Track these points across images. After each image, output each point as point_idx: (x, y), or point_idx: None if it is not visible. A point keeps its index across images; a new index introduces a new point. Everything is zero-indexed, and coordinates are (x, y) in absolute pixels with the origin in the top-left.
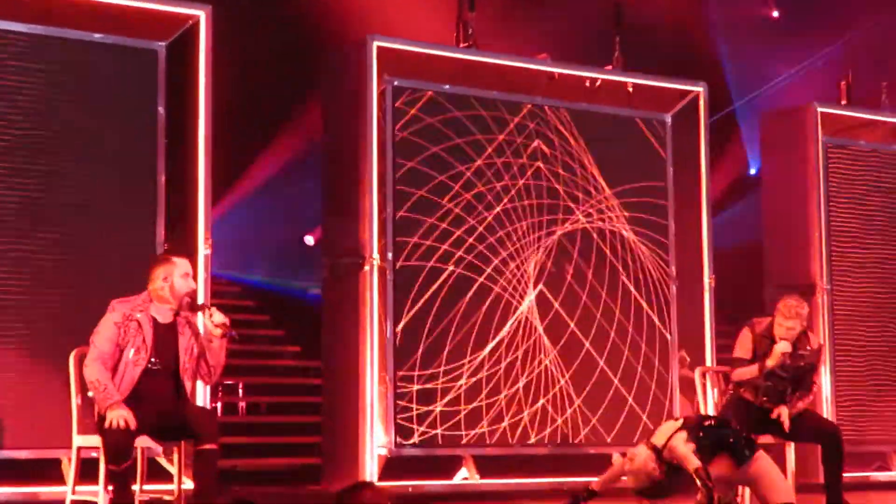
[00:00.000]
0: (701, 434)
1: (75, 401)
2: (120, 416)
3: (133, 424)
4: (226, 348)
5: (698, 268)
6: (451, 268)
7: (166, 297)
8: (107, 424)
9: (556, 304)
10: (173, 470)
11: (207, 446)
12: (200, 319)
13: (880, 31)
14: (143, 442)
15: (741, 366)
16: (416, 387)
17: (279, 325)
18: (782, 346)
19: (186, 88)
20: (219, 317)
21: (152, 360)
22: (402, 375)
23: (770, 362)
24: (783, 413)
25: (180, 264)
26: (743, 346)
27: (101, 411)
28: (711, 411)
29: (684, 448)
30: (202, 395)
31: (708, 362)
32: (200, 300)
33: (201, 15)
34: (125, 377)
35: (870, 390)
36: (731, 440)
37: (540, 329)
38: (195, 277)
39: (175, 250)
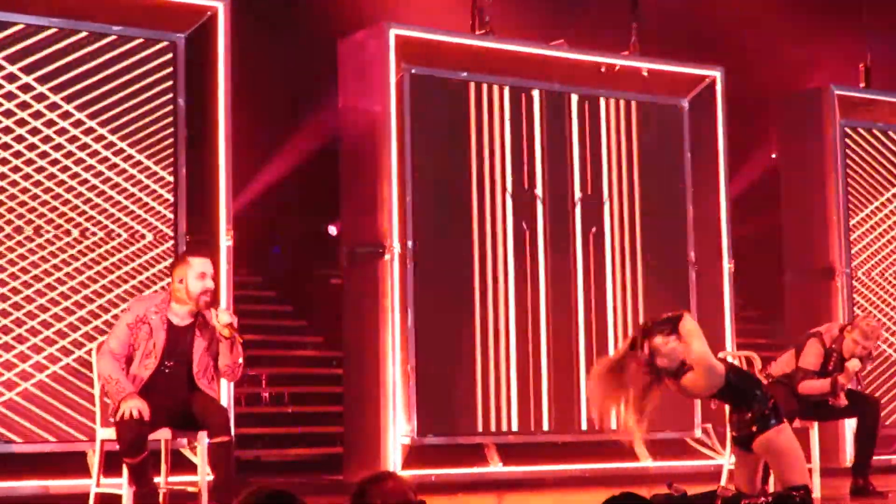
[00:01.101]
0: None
1: (98, 393)
2: (134, 407)
3: (147, 415)
4: (237, 350)
5: (717, 253)
6: (471, 254)
7: (183, 297)
8: (119, 416)
9: (578, 291)
10: (197, 461)
11: (220, 438)
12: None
13: None
14: (162, 434)
15: (809, 378)
16: (437, 375)
17: (301, 315)
18: (855, 365)
19: (206, 79)
20: (224, 317)
21: (165, 363)
22: (422, 364)
23: (843, 380)
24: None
25: (195, 265)
26: (812, 357)
27: (114, 404)
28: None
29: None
30: (224, 386)
31: (728, 347)
32: (222, 305)
33: (219, 6)
34: (136, 378)
35: (891, 373)
36: (757, 400)
37: (562, 315)
38: (217, 269)
39: (194, 249)
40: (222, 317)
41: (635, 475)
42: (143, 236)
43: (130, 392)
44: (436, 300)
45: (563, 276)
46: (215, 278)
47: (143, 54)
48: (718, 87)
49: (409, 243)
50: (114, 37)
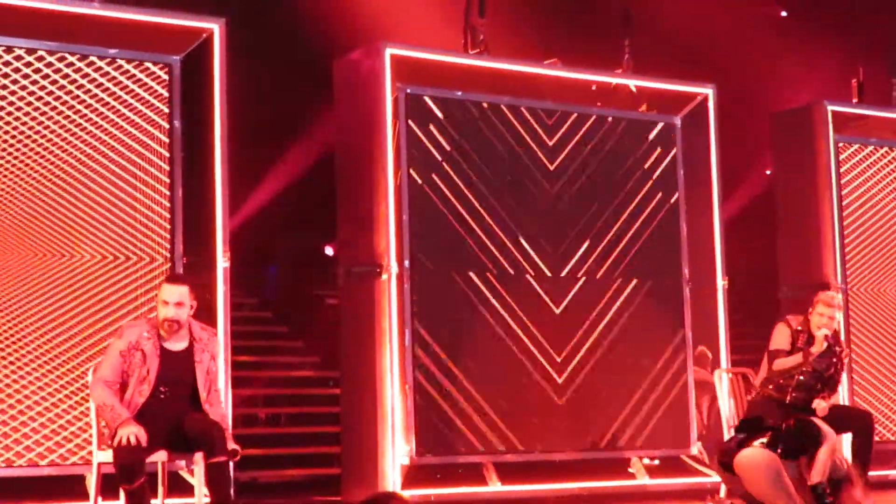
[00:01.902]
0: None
1: (94, 417)
2: (130, 433)
3: (144, 441)
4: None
5: (711, 269)
6: (467, 273)
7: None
8: (116, 441)
9: (574, 309)
10: (195, 482)
11: (217, 459)
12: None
13: (890, 27)
14: (159, 456)
15: (782, 356)
16: (435, 394)
17: (297, 335)
18: (824, 331)
19: (201, 101)
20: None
21: (160, 388)
22: (420, 383)
23: (815, 349)
24: (820, 404)
25: (163, 291)
26: (781, 339)
27: (110, 430)
28: (730, 412)
29: None
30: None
31: (723, 364)
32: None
33: (215, 28)
34: (131, 403)
35: (886, 387)
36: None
37: (558, 335)
38: (214, 291)
39: (170, 276)
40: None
41: (632, 493)
42: (140, 259)
43: (127, 418)
44: (433, 319)
45: (560, 294)
46: (211, 300)
47: (139, 76)
48: (711, 105)
49: (406, 262)
50: (109, 59)
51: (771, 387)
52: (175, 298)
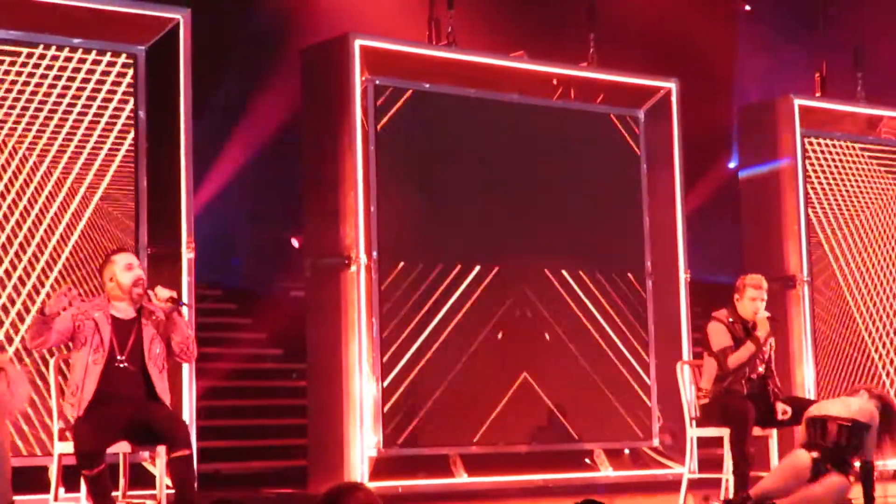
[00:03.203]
0: None
1: (55, 407)
2: (63, 293)
3: (76, 298)
4: (182, 320)
5: (674, 263)
6: (434, 266)
7: (118, 294)
8: (54, 305)
9: (538, 302)
10: (157, 473)
11: (180, 452)
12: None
13: (854, 22)
14: (121, 447)
15: (731, 353)
16: (402, 386)
17: (261, 327)
18: (763, 313)
19: (166, 91)
20: (163, 292)
21: (118, 357)
22: (387, 375)
23: (760, 332)
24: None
25: (118, 259)
26: (721, 336)
27: (49, 313)
28: (692, 408)
29: None
30: (187, 397)
31: (685, 356)
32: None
33: (180, 18)
34: (87, 378)
35: (848, 381)
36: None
37: (523, 326)
38: (179, 282)
39: (116, 248)
40: (161, 293)
41: (596, 484)
42: (106, 250)
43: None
44: (401, 311)
45: (526, 286)
46: (176, 287)
47: (104, 66)
48: (674, 98)
49: (374, 254)
50: (74, 49)
51: (725, 384)
52: (135, 260)
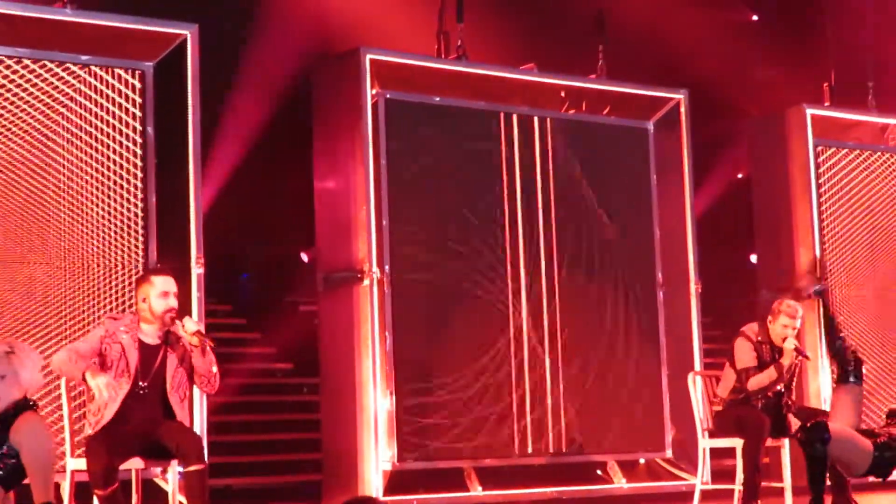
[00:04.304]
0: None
1: (68, 423)
2: (103, 384)
3: (116, 390)
4: (209, 357)
5: (685, 274)
6: (446, 279)
7: (148, 317)
8: (96, 390)
9: (550, 314)
10: (169, 489)
11: (194, 467)
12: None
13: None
14: (134, 463)
15: (752, 374)
16: (415, 400)
17: (270, 342)
18: (791, 343)
19: (175, 108)
20: (191, 325)
21: (139, 383)
22: (401, 389)
23: (785, 361)
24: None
25: (157, 283)
26: (746, 354)
27: (77, 381)
28: (704, 418)
29: None
30: (199, 413)
31: (696, 367)
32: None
33: (188, 34)
34: (109, 402)
35: (868, 389)
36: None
37: (535, 339)
38: (188, 298)
39: (157, 268)
40: (188, 325)
41: (610, 496)
42: (115, 266)
43: (95, 367)
44: (413, 325)
45: (538, 300)
46: (185, 304)
47: (112, 83)
48: (683, 109)
49: (387, 268)
50: (82, 65)
51: (742, 396)
52: (172, 287)
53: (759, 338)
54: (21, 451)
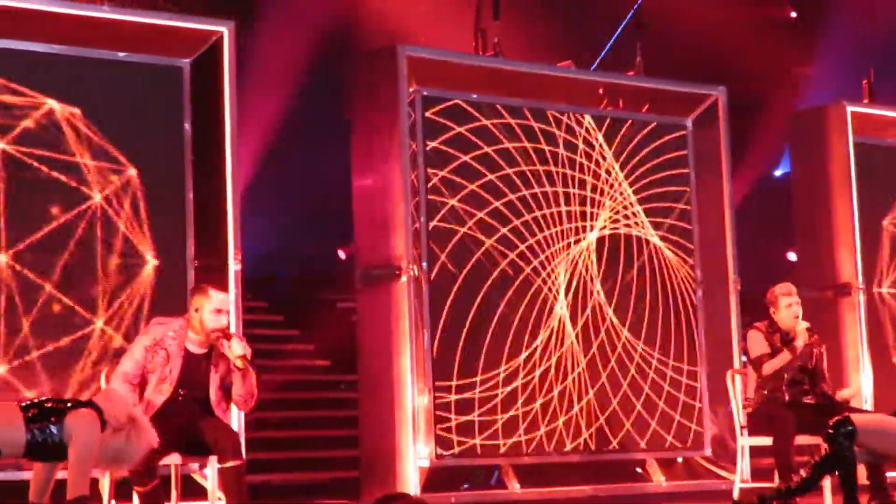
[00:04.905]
0: None
1: None
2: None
3: (156, 443)
4: (250, 381)
5: (723, 271)
6: (483, 277)
7: (197, 327)
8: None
9: (587, 311)
10: (208, 486)
11: (231, 463)
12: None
13: None
14: (172, 459)
15: (767, 360)
16: (453, 397)
17: (308, 339)
18: (803, 324)
19: (212, 104)
20: (238, 348)
21: (179, 391)
22: (439, 386)
23: (798, 342)
24: (843, 393)
25: (213, 298)
26: (759, 344)
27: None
28: (742, 416)
29: None
30: (236, 408)
31: (735, 365)
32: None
33: (224, 31)
34: (149, 403)
35: None
36: None
37: (572, 336)
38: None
39: (216, 283)
40: (235, 348)
41: (647, 494)
42: (152, 262)
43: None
44: (451, 320)
45: (575, 296)
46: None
47: (149, 80)
48: (721, 106)
49: (424, 264)
50: (119, 63)
51: (765, 392)
52: (227, 306)
53: (769, 328)
54: (73, 440)
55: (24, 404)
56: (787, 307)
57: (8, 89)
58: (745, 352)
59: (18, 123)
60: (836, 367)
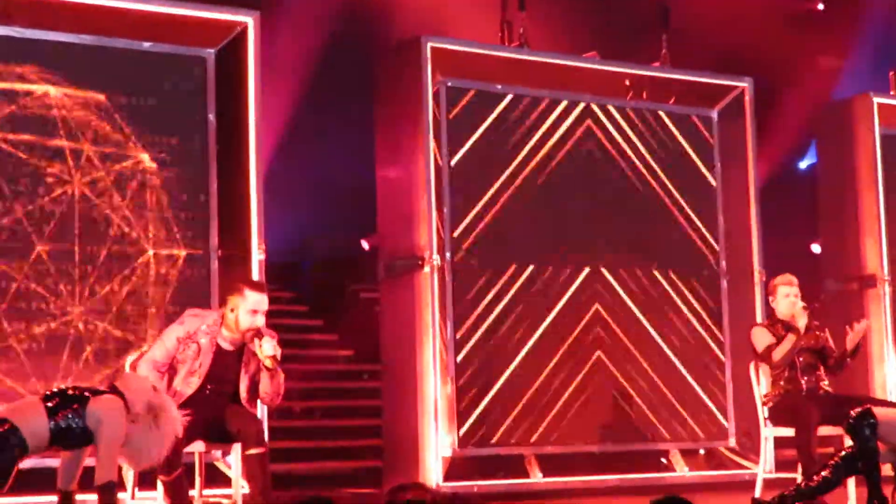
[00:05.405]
0: None
1: None
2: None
3: (181, 432)
4: (278, 381)
5: (748, 262)
6: (508, 266)
7: (231, 326)
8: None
9: (614, 302)
10: (232, 474)
11: (255, 450)
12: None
13: None
14: (196, 447)
15: (774, 348)
16: (476, 387)
17: (332, 329)
18: (800, 304)
19: (236, 95)
20: (268, 349)
21: (207, 386)
22: (462, 376)
23: (800, 322)
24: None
25: (249, 299)
26: (764, 337)
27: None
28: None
29: None
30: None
31: None
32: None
33: (249, 21)
34: (177, 394)
35: None
36: None
37: (598, 327)
38: None
39: (254, 283)
40: (266, 348)
41: (671, 485)
42: (177, 251)
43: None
44: (474, 311)
45: (602, 285)
46: None
47: (174, 70)
48: (748, 98)
49: (448, 255)
50: (144, 53)
51: (782, 383)
52: (263, 306)
53: (771, 321)
54: (100, 426)
55: (45, 395)
56: (786, 297)
57: (15, 75)
58: (752, 350)
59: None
60: (861, 359)
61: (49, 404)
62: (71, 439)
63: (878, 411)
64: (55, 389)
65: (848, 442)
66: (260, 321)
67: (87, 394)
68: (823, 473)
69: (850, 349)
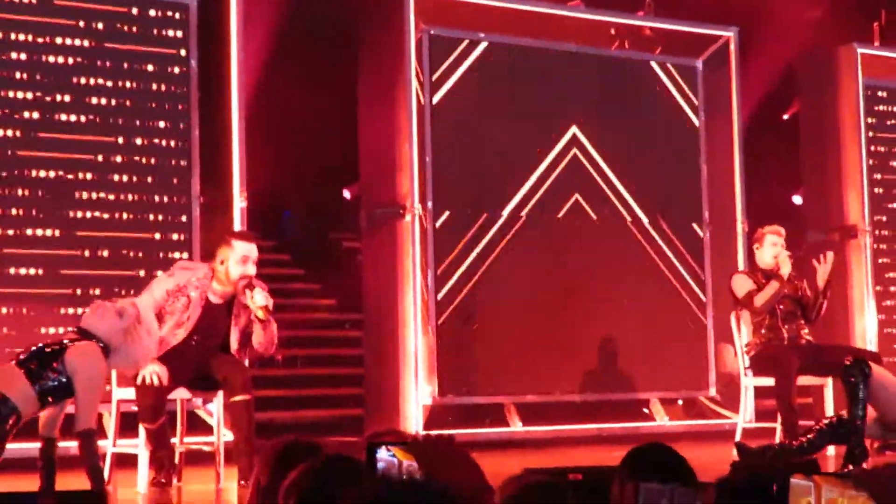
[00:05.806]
0: None
1: None
2: (153, 372)
3: (166, 380)
4: (271, 331)
5: (731, 212)
6: (490, 215)
7: (222, 278)
8: (139, 380)
9: (595, 251)
10: (213, 422)
11: (239, 397)
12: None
13: None
14: (179, 394)
15: (756, 294)
16: (457, 335)
17: (314, 278)
18: (785, 253)
19: (219, 41)
20: (260, 299)
21: (194, 337)
22: (442, 324)
23: (783, 270)
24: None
25: (238, 248)
26: (745, 283)
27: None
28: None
29: None
30: None
31: None
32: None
33: None
34: (163, 342)
35: None
36: None
37: (579, 276)
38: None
39: (240, 233)
40: (258, 298)
41: (651, 434)
42: (158, 199)
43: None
44: (455, 260)
45: (581, 235)
46: None
47: (155, 16)
48: (732, 47)
49: (429, 204)
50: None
51: (763, 331)
52: (253, 254)
53: (751, 269)
54: (75, 376)
55: (20, 360)
56: (773, 246)
57: None
58: (733, 296)
59: None
60: (842, 309)
61: (31, 366)
62: (60, 394)
63: (876, 368)
64: (33, 349)
65: (828, 395)
66: (251, 269)
67: (65, 342)
68: (808, 436)
69: (821, 287)
